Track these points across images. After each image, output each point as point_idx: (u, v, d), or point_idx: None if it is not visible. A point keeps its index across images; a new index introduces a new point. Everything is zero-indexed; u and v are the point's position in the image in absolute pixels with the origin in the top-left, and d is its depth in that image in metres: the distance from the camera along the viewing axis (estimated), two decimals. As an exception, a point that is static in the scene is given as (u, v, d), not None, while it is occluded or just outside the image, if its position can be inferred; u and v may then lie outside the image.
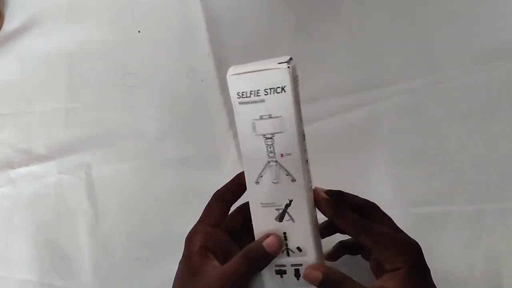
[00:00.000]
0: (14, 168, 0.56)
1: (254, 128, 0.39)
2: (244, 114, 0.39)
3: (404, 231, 0.42)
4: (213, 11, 0.61)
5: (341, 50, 0.59)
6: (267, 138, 0.38)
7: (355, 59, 0.59)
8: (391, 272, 0.38)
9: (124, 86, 0.59)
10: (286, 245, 0.40)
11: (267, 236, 0.39)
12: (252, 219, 0.40)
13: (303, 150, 0.39)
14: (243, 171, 0.40)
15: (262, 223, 0.40)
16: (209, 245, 0.40)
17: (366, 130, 0.55)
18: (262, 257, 0.39)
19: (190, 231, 0.42)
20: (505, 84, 0.56)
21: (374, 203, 0.42)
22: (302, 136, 0.39)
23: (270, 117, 0.38)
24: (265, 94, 0.38)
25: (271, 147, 0.38)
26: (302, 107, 0.57)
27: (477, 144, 0.54)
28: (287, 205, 0.39)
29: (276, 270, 0.40)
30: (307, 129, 0.55)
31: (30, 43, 0.62)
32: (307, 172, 0.39)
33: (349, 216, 0.40)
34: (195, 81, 0.59)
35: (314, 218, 0.40)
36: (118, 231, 0.53)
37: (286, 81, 0.37)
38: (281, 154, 0.38)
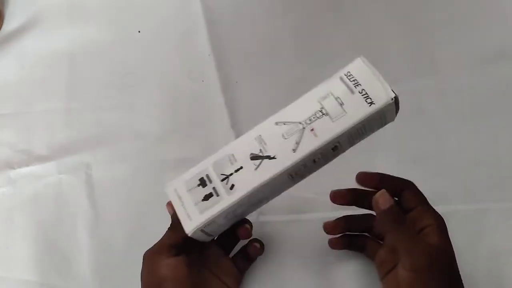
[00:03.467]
0: (14, 168, 0.56)
1: (323, 98, 0.39)
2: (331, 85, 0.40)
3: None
4: (213, 12, 0.62)
5: (342, 50, 0.59)
6: (320, 110, 0.39)
7: (355, 59, 0.59)
8: (425, 230, 0.40)
9: (124, 86, 0.59)
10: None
11: None
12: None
13: (323, 151, 0.39)
14: None
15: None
16: None
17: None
18: None
19: None
20: (505, 84, 0.56)
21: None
22: (333, 143, 0.39)
23: (341, 105, 0.39)
24: (359, 92, 0.39)
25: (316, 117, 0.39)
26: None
27: (477, 144, 0.54)
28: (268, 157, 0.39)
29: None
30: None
31: (30, 43, 0.62)
32: (302, 162, 0.39)
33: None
34: (196, 82, 0.59)
35: None
36: (118, 231, 0.53)
37: (381, 103, 0.38)
38: (312, 129, 0.38)
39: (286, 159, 0.39)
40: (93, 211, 0.54)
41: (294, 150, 0.39)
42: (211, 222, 0.39)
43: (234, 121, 0.56)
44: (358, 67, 0.39)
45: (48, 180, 0.55)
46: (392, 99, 0.39)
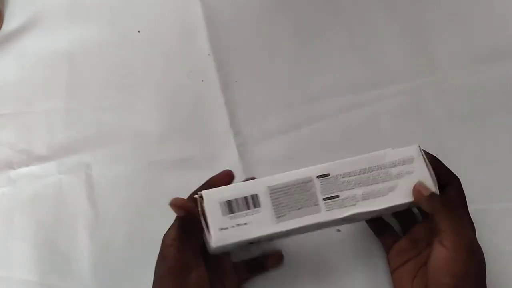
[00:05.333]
0: (14, 168, 0.56)
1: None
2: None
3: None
4: (213, 11, 0.62)
5: (341, 50, 0.59)
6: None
7: (355, 59, 0.59)
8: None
9: (124, 86, 0.59)
10: None
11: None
12: None
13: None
14: None
15: None
16: None
17: (366, 130, 0.55)
18: None
19: None
20: (505, 84, 0.57)
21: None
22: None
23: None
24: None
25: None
26: (304, 107, 0.57)
27: (477, 144, 0.54)
28: None
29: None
30: (307, 129, 0.56)
31: (30, 43, 0.62)
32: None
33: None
34: (195, 81, 0.59)
35: None
36: (118, 231, 0.53)
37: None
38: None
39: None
40: (93, 211, 0.53)
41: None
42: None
43: (233, 120, 0.56)
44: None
45: (48, 180, 0.55)
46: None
